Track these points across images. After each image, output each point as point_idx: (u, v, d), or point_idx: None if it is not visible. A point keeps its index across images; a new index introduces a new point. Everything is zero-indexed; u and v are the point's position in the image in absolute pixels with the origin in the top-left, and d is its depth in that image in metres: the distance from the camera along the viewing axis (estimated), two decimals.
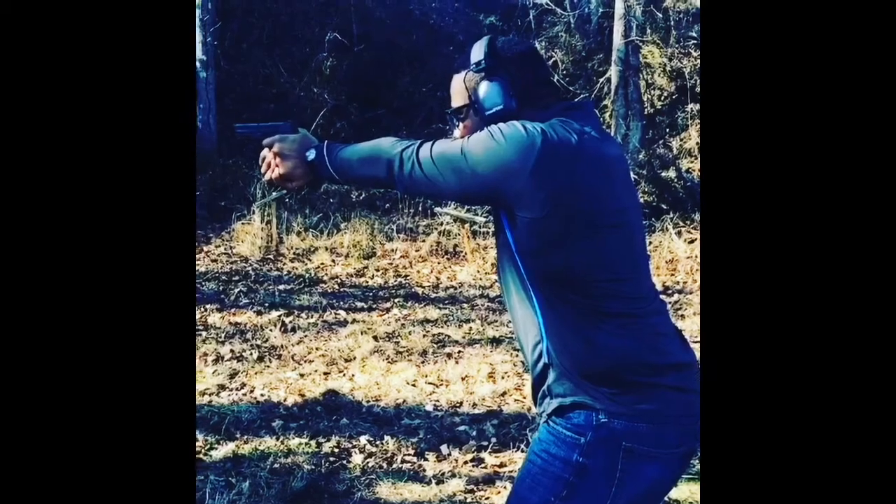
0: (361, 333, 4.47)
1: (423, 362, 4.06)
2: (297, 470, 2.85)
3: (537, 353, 1.47)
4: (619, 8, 8.63)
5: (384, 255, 6.54)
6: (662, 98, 10.14)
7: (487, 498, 2.74)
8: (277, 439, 3.09)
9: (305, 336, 4.45)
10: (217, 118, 8.73)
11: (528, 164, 1.34)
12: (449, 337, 4.50)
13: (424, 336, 4.47)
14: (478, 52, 1.50)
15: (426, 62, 10.82)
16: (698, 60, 9.00)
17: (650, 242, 6.15)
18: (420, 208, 7.51)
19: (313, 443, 3.08)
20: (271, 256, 6.33)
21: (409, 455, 3.03)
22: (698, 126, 8.71)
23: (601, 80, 9.53)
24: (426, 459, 3.00)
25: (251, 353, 4.11)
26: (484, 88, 1.48)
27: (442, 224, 6.96)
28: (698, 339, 1.49)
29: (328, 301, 5.18)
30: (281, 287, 5.48)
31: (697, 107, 8.91)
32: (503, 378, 3.84)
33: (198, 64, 8.60)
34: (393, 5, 11.80)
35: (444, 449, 3.07)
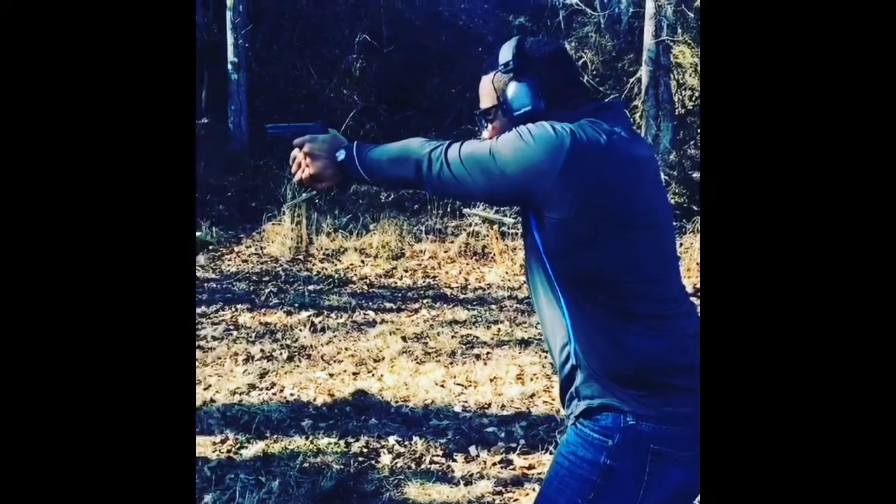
0: (390, 334, 4.48)
1: (451, 363, 4.07)
2: (326, 469, 2.87)
3: (565, 354, 1.47)
4: (649, 8, 8.56)
5: (413, 255, 6.55)
6: (693, 98, 10.04)
7: (516, 500, 2.73)
8: (307, 439, 3.12)
9: (335, 336, 4.47)
10: (248, 120, 8.81)
11: (556, 165, 1.34)
12: (477, 338, 4.50)
13: (453, 337, 4.47)
14: (506, 52, 1.50)
15: (455, 63, 10.83)
16: None
17: (681, 244, 6.09)
18: (448, 209, 7.52)
19: (342, 442, 3.10)
20: (301, 257, 6.38)
21: (437, 456, 3.03)
22: None
23: (631, 80, 9.47)
24: (454, 460, 3.00)
25: (281, 353, 4.14)
26: (512, 89, 1.48)
27: (471, 225, 6.96)
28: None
29: (357, 301, 5.20)
30: (311, 287, 5.51)
31: None
32: (532, 380, 3.83)
33: (229, 66, 8.69)
34: (422, 7, 11.83)
35: (472, 450, 3.07)
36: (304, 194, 6.66)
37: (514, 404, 3.53)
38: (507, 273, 6.02)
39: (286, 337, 4.43)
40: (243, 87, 8.80)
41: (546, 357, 4.08)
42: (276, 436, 3.14)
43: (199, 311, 4.83)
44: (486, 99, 1.55)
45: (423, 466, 2.95)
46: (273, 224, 6.74)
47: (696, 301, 1.73)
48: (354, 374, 3.90)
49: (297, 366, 3.98)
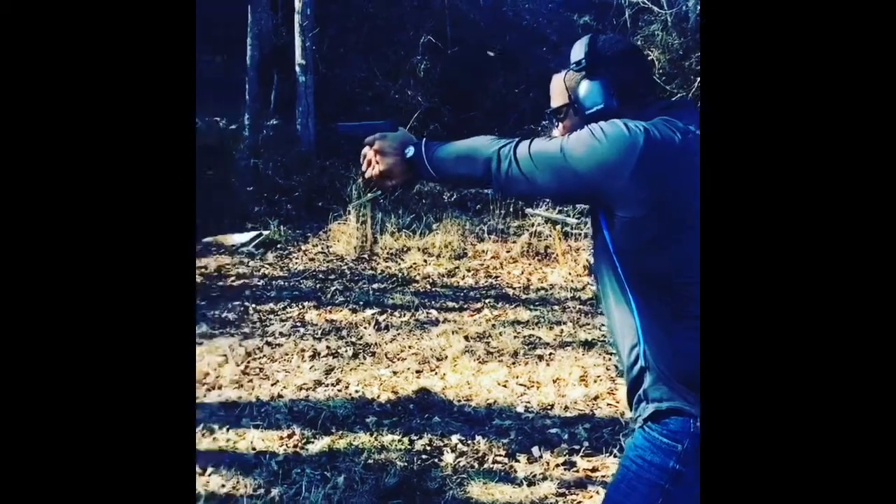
0: (453, 333, 4.50)
1: (513, 363, 4.06)
2: (390, 466, 2.90)
3: (634, 355, 1.45)
4: None
5: (475, 255, 6.56)
6: None
7: (579, 502, 2.71)
8: (371, 435, 3.15)
9: (398, 334, 4.51)
10: (315, 121, 8.96)
11: (629, 164, 1.33)
12: (540, 339, 4.47)
13: (515, 337, 4.46)
14: (578, 51, 1.49)
15: (519, 64, 10.80)
16: None
17: None
18: (511, 209, 7.50)
19: (406, 440, 3.12)
20: (366, 256, 6.45)
21: (500, 456, 3.03)
22: None
23: (699, 79, 9.28)
24: (517, 461, 2.99)
25: (346, 350, 4.20)
26: (584, 88, 1.47)
27: (533, 225, 6.92)
28: None
29: (420, 300, 5.24)
30: (375, 286, 5.57)
31: None
32: (595, 382, 3.79)
33: (297, 69, 8.84)
34: (486, 7, 11.82)
35: (535, 451, 3.06)
36: (369, 194, 6.74)
37: (578, 406, 3.50)
38: (569, 274, 5.97)
39: (351, 334, 4.49)
40: (311, 89, 8.94)
41: (610, 359, 4.03)
42: (341, 432, 3.19)
43: (267, 307, 4.94)
44: (558, 98, 1.54)
45: (485, 466, 2.95)
46: (339, 223, 6.84)
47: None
48: (417, 372, 3.93)
49: (362, 363, 4.03)
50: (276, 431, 3.18)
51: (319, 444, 3.07)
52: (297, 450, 3.03)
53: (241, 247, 6.43)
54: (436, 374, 3.92)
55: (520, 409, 3.48)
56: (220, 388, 3.64)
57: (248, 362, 3.99)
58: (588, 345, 4.34)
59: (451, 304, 5.24)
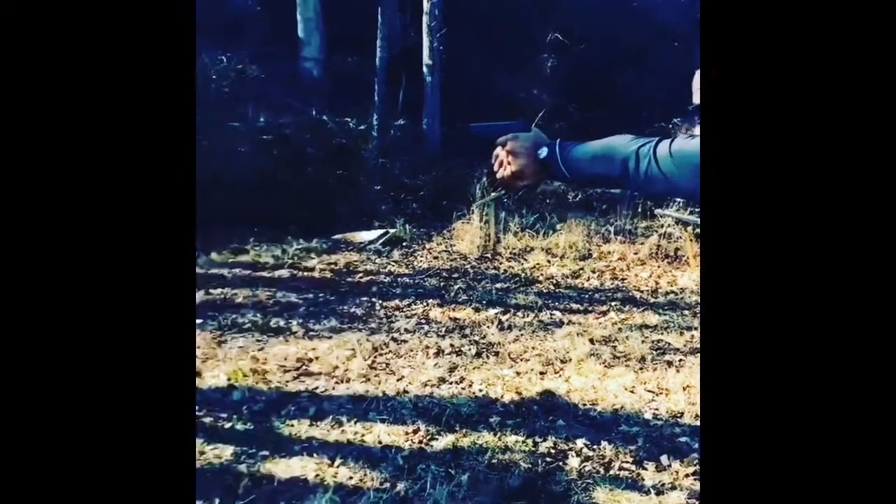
0: (577, 335, 4.43)
1: (641, 368, 3.95)
2: (513, 467, 2.88)
3: None
4: None
5: (601, 256, 6.44)
6: None
7: None
8: (495, 435, 3.15)
9: (521, 335, 4.49)
10: (441, 121, 9.06)
11: None
12: (669, 344, 4.33)
13: (643, 342, 4.34)
14: None
15: (648, 59, 10.51)
16: None
17: None
18: (639, 210, 7.31)
19: (530, 441, 3.10)
20: (489, 255, 6.46)
21: (626, 462, 2.95)
22: None
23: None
24: (645, 468, 2.91)
25: (470, 349, 4.22)
26: None
27: (663, 226, 6.72)
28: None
29: (543, 301, 5.19)
30: (498, 285, 5.57)
31: None
32: None
33: (424, 69, 8.97)
34: (614, 2, 11.58)
35: (664, 459, 2.97)
36: (493, 193, 6.75)
37: None
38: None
39: (474, 333, 4.50)
40: (437, 89, 9.05)
41: None
42: (465, 430, 3.20)
43: (393, 304, 5.03)
44: (700, 94, 1.49)
45: (611, 472, 2.89)
46: (462, 222, 6.89)
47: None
48: (541, 373, 3.89)
49: (485, 362, 4.03)
50: (402, 427, 3.23)
51: (444, 441, 3.09)
52: (422, 446, 3.07)
53: (369, 244, 6.59)
54: (560, 376, 3.87)
55: (647, 415, 3.39)
56: (348, 381, 3.74)
57: (375, 357, 4.08)
58: None
59: (575, 305, 5.16)
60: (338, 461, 2.92)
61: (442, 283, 5.63)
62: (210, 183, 6.69)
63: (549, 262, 6.29)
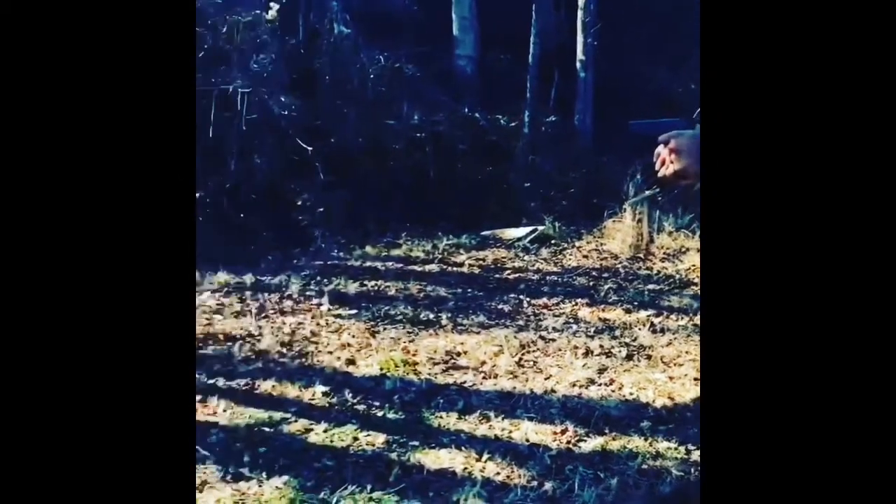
0: None
1: None
2: (665, 474, 2.80)
3: None
4: None
5: None
6: None
7: None
8: (646, 440, 3.07)
9: (675, 338, 4.34)
10: (594, 117, 8.92)
11: None
12: None
13: None
14: None
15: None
16: None
17: None
18: None
19: (682, 449, 2.99)
20: (641, 255, 6.29)
21: None
22: None
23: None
24: None
25: (620, 351, 4.13)
26: None
27: None
28: None
29: (699, 305, 4.99)
30: (650, 286, 5.42)
31: None
32: None
33: (578, 65, 8.87)
34: None
35: None
36: (647, 191, 6.57)
37: None
38: None
39: (625, 335, 4.40)
40: (590, 85, 8.91)
41: None
42: (614, 433, 3.14)
43: (541, 302, 5.01)
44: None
45: None
46: (613, 221, 6.74)
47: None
48: (695, 379, 3.75)
49: (636, 365, 3.93)
50: (550, 426, 3.21)
51: (592, 443, 3.05)
52: (570, 446, 3.04)
53: (517, 241, 6.59)
54: None
55: None
56: (495, 377, 3.76)
57: (523, 355, 4.08)
58: None
59: None
60: (485, 456, 2.95)
61: (591, 283, 5.54)
62: (364, 180, 6.94)
63: None
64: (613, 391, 3.61)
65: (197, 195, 6.30)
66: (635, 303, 5.00)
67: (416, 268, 5.85)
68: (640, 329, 4.47)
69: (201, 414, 3.27)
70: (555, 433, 3.14)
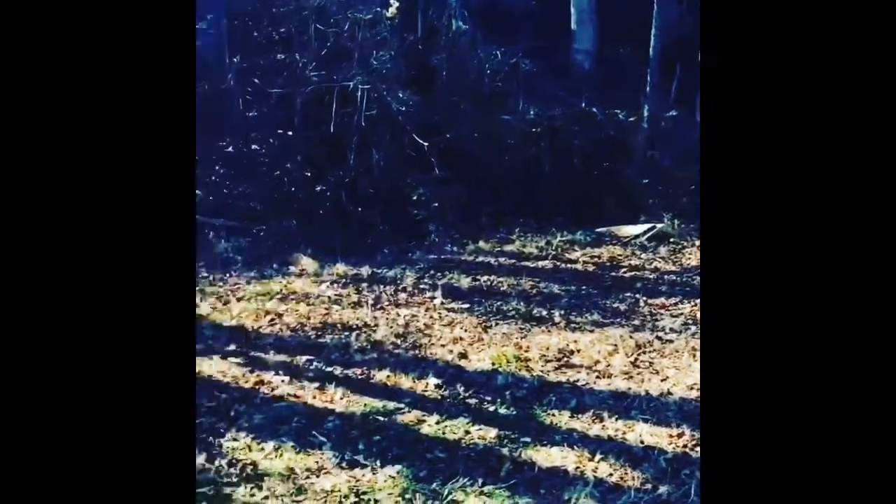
0: None
1: None
2: None
3: None
4: None
5: None
6: None
7: None
8: None
9: None
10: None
11: None
12: None
13: None
14: None
15: None
16: None
17: None
18: None
19: None
20: None
21: None
22: None
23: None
24: None
25: None
26: None
27: None
28: None
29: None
30: None
31: None
32: None
33: (700, 58, 8.57)
34: None
35: None
36: None
37: None
38: None
39: None
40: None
41: None
42: None
43: (658, 301, 4.88)
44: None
45: None
46: None
47: None
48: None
49: None
50: (666, 429, 3.13)
51: None
52: (687, 450, 2.95)
53: (634, 238, 6.45)
54: None
55: None
56: (609, 376, 3.70)
57: (638, 355, 3.98)
58: None
59: None
60: (598, 456, 2.90)
61: None
62: (479, 176, 6.96)
63: None
64: None
65: (317, 189, 6.52)
66: None
67: (530, 264, 5.82)
68: None
69: (319, 401, 3.38)
70: (671, 436, 3.06)
